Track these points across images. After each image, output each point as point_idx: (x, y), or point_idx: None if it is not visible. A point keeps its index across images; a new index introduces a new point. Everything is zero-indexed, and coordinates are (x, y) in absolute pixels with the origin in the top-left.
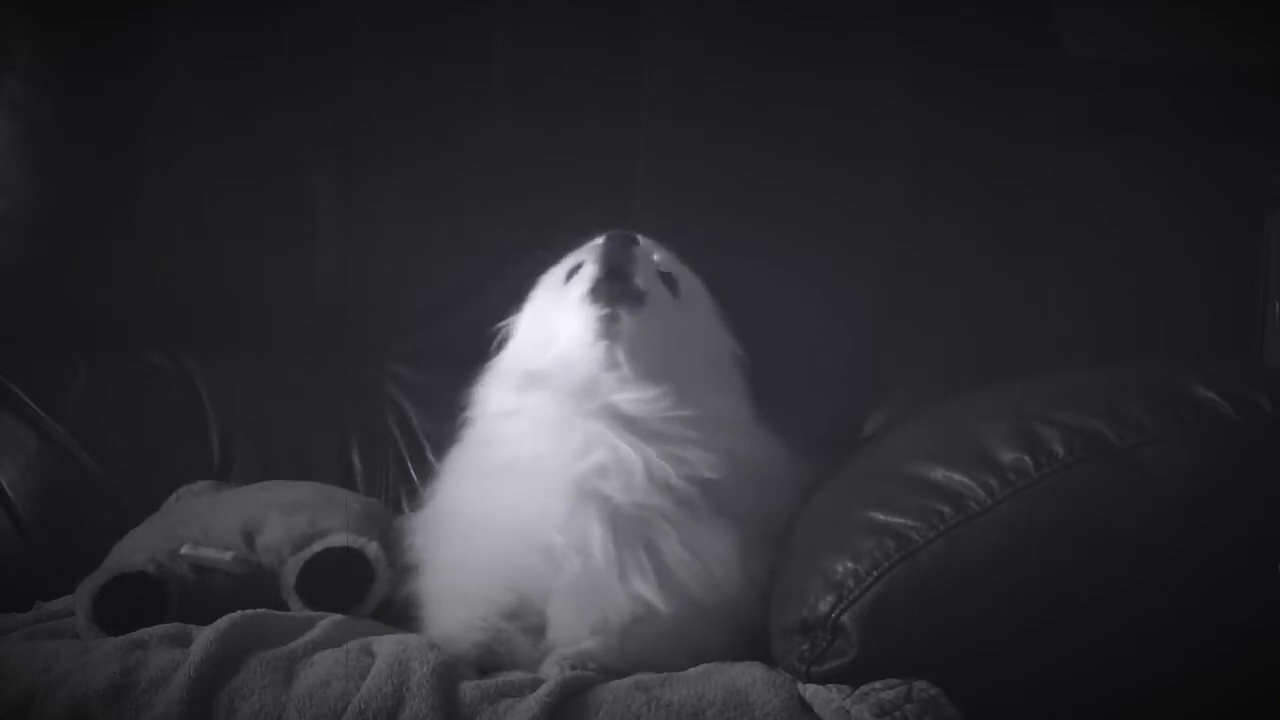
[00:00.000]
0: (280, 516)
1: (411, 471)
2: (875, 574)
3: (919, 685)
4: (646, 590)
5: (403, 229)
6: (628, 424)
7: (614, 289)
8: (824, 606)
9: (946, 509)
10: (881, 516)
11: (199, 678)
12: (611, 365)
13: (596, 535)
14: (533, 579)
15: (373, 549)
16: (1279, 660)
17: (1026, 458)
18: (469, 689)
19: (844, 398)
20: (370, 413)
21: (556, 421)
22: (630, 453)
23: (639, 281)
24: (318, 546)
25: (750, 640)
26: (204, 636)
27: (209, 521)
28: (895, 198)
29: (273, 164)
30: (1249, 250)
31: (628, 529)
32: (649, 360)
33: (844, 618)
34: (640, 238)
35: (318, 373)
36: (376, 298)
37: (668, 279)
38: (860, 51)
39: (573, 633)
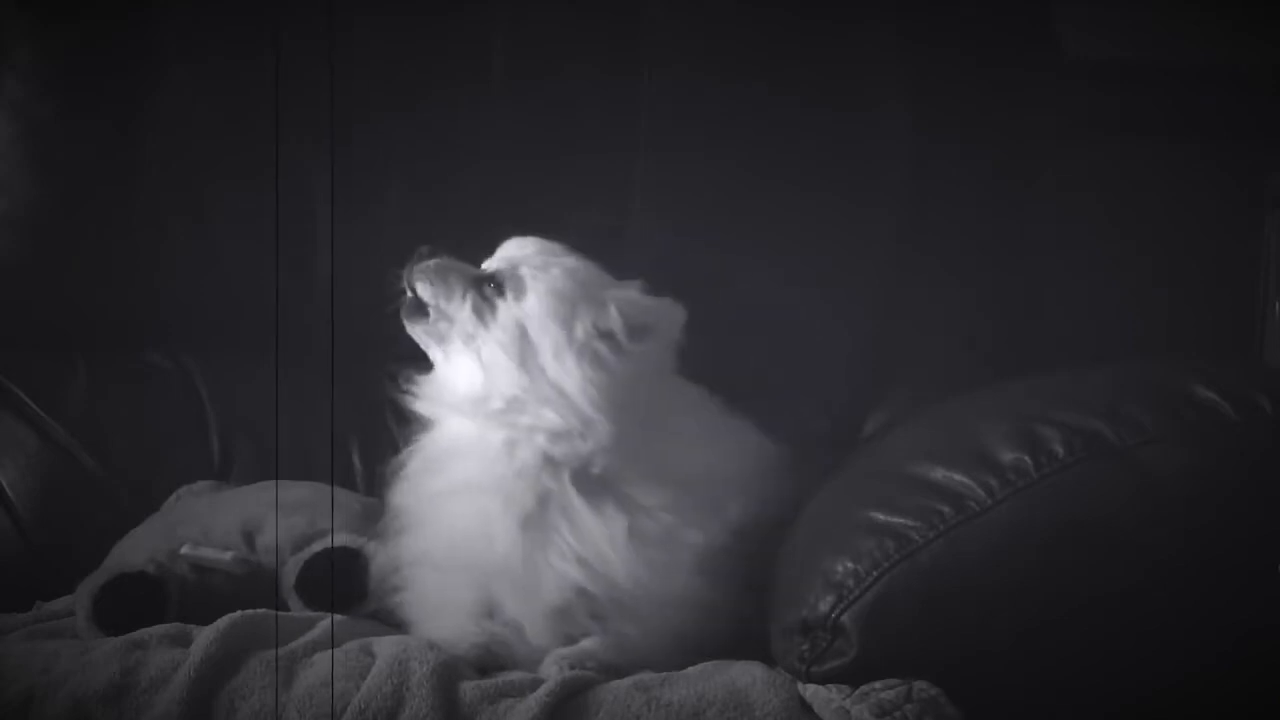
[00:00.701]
0: (280, 516)
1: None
2: (875, 574)
3: (919, 685)
4: (574, 577)
5: (403, 229)
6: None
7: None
8: (824, 606)
9: (946, 509)
10: (881, 516)
11: (199, 678)
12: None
13: (511, 528)
14: (487, 577)
15: (373, 549)
16: (1279, 660)
17: (1026, 458)
18: (469, 689)
19: (844, 398)
20: (370, 413)
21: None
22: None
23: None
24: (317, 546)
25: (745, 631)
26: (204, 636)
27: (209, 521)
28: (895, 198)
29: (273, 164)
30: (1249, 250)
31: (538, 519)
32: (526, 368)
33: (844, 618)
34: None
35: (318, 373)
36: (376, 298)
37: (488, 283)
38: (860, 51)
39: (528, 621)
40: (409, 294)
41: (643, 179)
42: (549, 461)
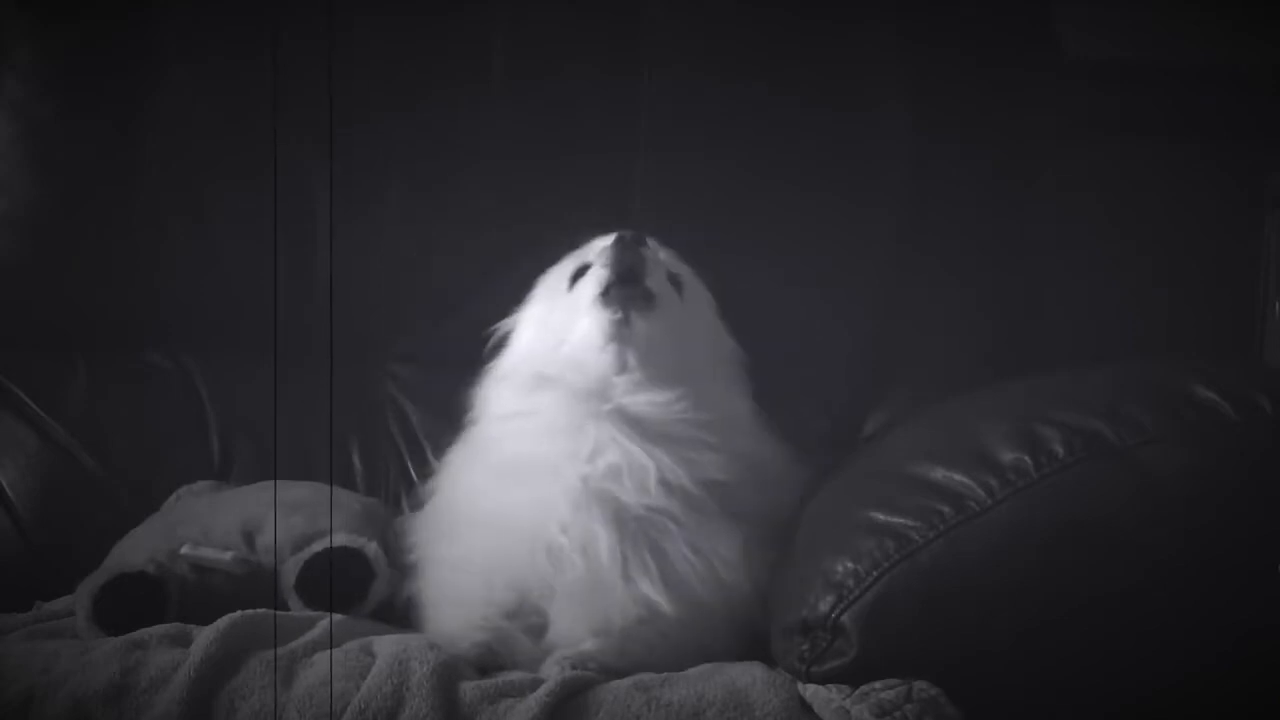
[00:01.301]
0: (280, 516)
1: (411, 471)
2: (875, 574)
3: (919, 685)
4: (651, 591)
5: (403, 229)
6: (637, 426)
7: (625, 292)
8: (824, 606)
9: (946, 509)
10: (881, 516)
11: (199, 678)
12: (623, 368)
13: (602, 536)
14: (535, 579)
15: (373, 549)
16: (1279, 660)
17: (1026, 458)
18: (469, 689)
19: (844, 398)
20: (370, 413)
21: (565, 423)
22: (643, 456)
23: (650, 284)
24: (317, 546)
25: (751, 640)
26: (204, 636)
27: (209, 521)
28: (895, 198)
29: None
30: (1249, 250)
31: (634, 531)
32: (660, 363)
33: (844, 618)
34: (647, 238)
35: (318, 373)
36: (376, 298)
37: (674, 280)
38: (860, 51)
39: (574, 633)
40: (628, 281)
41: (643, 179)
42: (666, 481)
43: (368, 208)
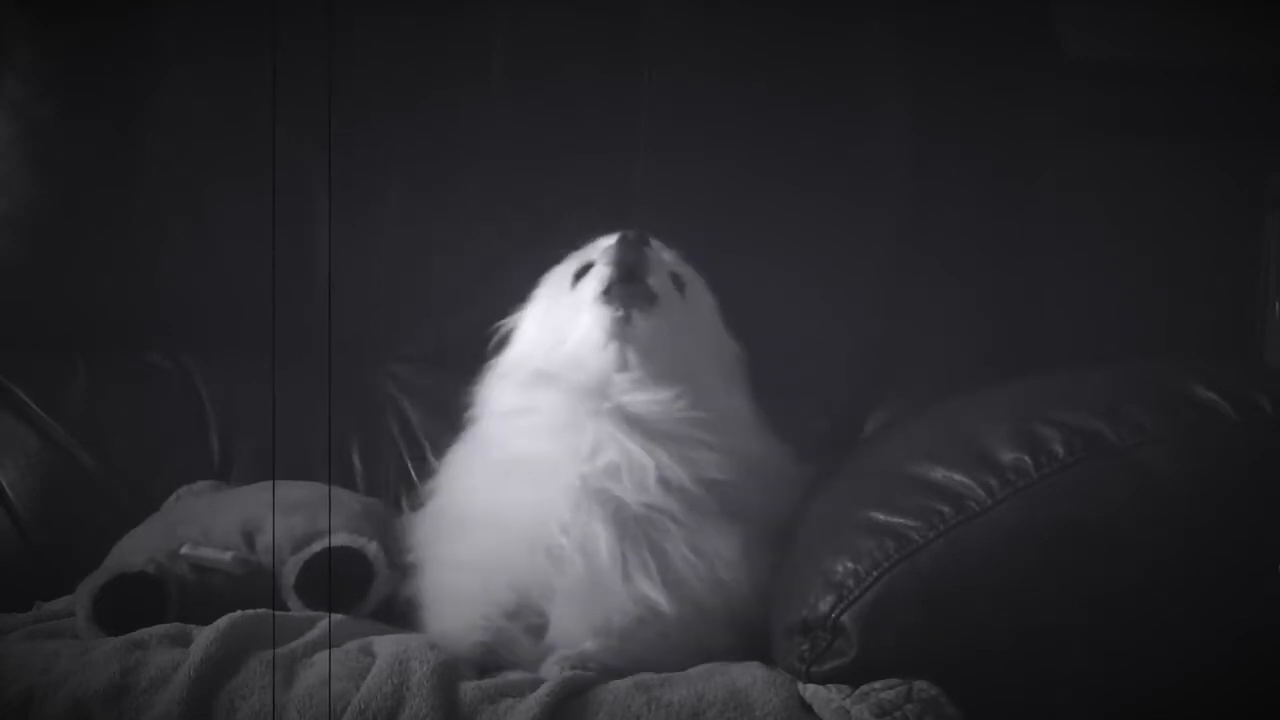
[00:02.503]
0: (280, 516)
1: (411, 471)
2: (875, 574)
3: (919, 685)
4: (651, 591)
5: (403, 229)
6: (637, 425)
7: (627, 290)
8: (824, 606)
9: (946, 509)
10: (881, 516)
11: (199, 678)
12: (624, 366)
13: (602, 536)
14: (535, 578)
15: (373, 549)
16: (1279, 660)
17: (1026, 458)
18: (469, 689)
19: (844, 398)
20: (370, 413)
21: (566, 421)
22: (642, 455)
23: (652, 283)
24: (317, 546)
25: (751, 640)
26: (204, 636)
27: (209, 521)
28: (895, 198)
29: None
30: (1249, 250)
31: (634, 530)
32: (661, 361)
33: (844, 618)
34: (650, 238)
35: (318, 372)
36: (376, 298)
37: (676, 279)
38: (860, 51)
39: (575, 633)
40: (630, 280)
41: (643, 179)
42: (665, 479)
43: (368, 208)
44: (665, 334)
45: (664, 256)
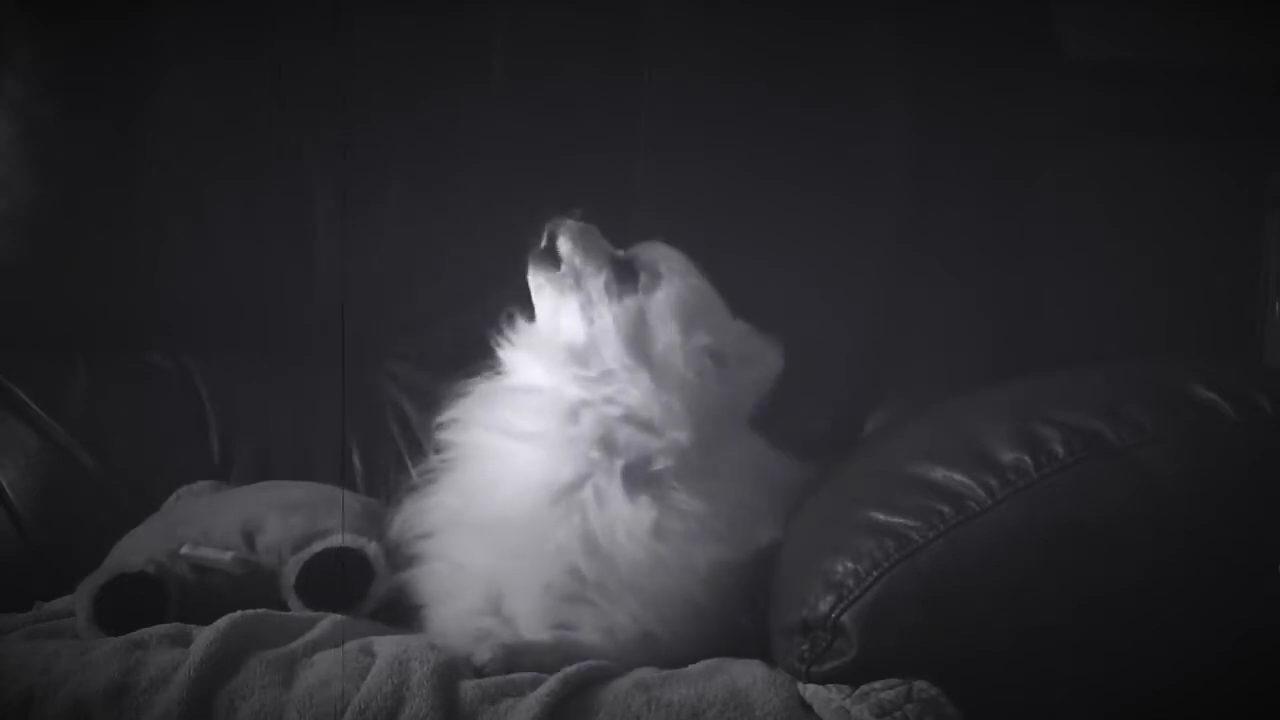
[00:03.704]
0: (280, 516)
1: (411, 471)
2: (875, 574)
3: (919, 685)
4: (573, 555)
5: (403, 229)
6: (633, 422)
7: (615, 278)
8: (824, 606)
9: (946, 509)
10: (881, 516)
11: (199, 678)
12: (611, 359)
13: (539, 491)
14: (502, 575)
15: (373, 549)
16: (1279, 660)
17: (1026, 458)
18: (469, 688)
19: (844, 398)
20: (370, 413)
21: (552, 416)
22: (631, 451)
23: (641, 274)
24: (317, 546)
25: (739, 634)
26: (204, 636)
27: (209, 521)
28: (895, 198)
29: (273, 164)
30: (1249, 250)
31: (569, 491)
32: (643, 355)
33: (844, 618)
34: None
35: (318, 372)
36: (376, 298)
37: (655, 270)
38: (860, 51)
39: (531, 620)
40: (544, 242)
41: (643, 179)
42: (607, 439)
43: (368, 208)
44: (646, 325)
45: (656, 252)
